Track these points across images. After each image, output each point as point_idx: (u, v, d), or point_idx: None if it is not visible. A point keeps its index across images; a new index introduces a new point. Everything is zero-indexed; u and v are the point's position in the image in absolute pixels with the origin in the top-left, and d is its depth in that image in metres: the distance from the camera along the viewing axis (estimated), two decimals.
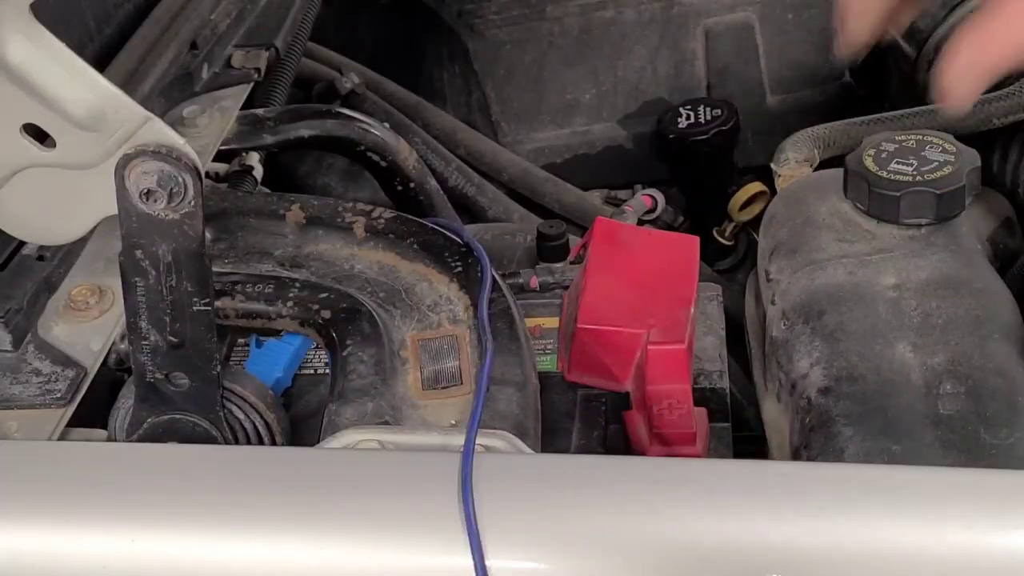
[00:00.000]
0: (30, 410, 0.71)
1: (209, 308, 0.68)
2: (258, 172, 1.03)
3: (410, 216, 0.88)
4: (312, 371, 0.84)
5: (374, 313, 0.80)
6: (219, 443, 0.71)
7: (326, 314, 0.80)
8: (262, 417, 0.73)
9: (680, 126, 1.28)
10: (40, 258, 0.79)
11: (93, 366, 0.74)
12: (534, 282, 0.91)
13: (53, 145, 0.67)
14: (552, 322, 0.89)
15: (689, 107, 1.30)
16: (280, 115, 1.04)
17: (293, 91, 1.21)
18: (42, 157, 0.68)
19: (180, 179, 0.64)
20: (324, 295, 0.81)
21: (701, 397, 0.83)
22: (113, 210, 0.66)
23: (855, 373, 0.76)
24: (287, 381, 0.83)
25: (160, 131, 0.65)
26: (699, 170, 1.30)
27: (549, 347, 0.87)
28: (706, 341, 0.86)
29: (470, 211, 1.28)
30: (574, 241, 0.96)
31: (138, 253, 0.66)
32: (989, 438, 0.72)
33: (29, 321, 0.75)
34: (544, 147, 1.40)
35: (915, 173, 0.83)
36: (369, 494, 0.60)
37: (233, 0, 1.04)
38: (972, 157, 0.84)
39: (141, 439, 0.71)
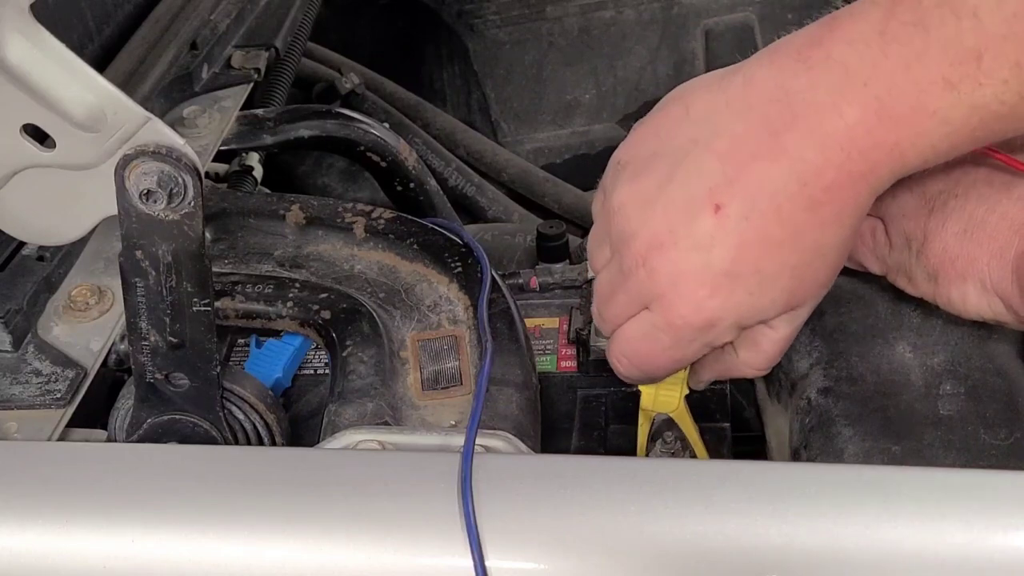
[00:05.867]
0: (30, 410, 0.71)
1: (209, 308, 0.68)
2: (258, 172, 1.03)
3: (410, 216, 0.88)
4: (312, 371, 0.84)
5: (374, 313, 0.80)
6: (219, 443, 0.71)
7: (326, 314, 0.80)
8: (262, 417, 0.73)
9: None
10: (40, 258, 0.78)
11: (93, 366, 0.74)
12: (534, 282, 0.91)
13: (53, 145, 0.67)
14: (552, 322, 0.89)
15: None
16: (280, 115, 1.04)
17: (293, 91, 1.21)
18: (42, 157, 0.68)
19: (180, 179, 0.64)
20: (324, 295, 0.81)
21: (701, 397, 0.83)
22: (113, 210, 0.66)
23: (855, 373, 0.76)
24: (287, 381, 0.83)
25: (160, 131, 0.65)
26: None
27: (549, 347, 0.87)
28: None
29: (470, 211, 1.28)
30: (574, 241, 0.96)
31: (138, 253, 0.66)
32: (989, 438, 0.72)
33: (29, 321, 0.75)
34: (544, 147, 1.40)
35: None
36: (369, 494, 0.60)
37: (233, 0, 1.04)
38: None
39: (141, 439, 0.71)
